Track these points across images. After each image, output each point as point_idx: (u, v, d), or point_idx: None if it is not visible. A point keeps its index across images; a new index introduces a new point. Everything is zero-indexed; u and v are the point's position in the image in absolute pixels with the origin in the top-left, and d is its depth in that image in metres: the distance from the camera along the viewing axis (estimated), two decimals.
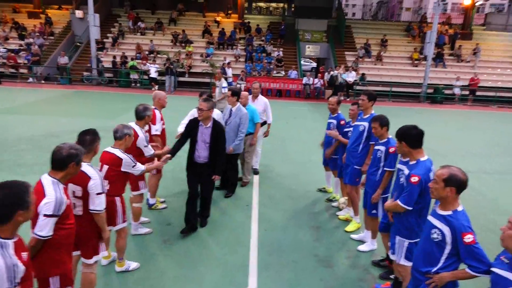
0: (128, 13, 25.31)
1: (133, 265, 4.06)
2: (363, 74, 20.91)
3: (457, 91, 20.78)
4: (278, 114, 14.52)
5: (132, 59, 20.90)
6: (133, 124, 4.25)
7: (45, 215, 2.44)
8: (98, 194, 3.00)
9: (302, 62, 23.86)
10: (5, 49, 21.18)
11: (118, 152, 3.58)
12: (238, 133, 5.90)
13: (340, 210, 5.81)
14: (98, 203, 3.01)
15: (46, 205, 2.45)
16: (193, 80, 21.07)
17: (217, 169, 4.80)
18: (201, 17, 26.13)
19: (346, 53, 23.46)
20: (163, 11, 26.24)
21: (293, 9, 29.56)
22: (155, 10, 26.41)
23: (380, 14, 49.68)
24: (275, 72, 21.50)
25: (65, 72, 20.52)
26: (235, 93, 6.00)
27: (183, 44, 22.87)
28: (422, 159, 3.32)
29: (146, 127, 4.63)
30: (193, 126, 4.70)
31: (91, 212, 3.03)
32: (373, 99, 4.94)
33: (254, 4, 42.48)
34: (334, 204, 6.08)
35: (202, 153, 4.70)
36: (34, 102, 14.40)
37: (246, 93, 6.51)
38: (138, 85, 20.33)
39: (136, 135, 4.19)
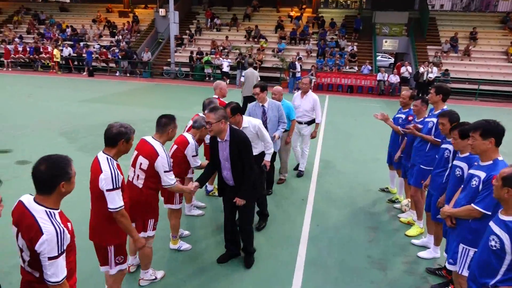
0: (206, 10, 26.43)
1: (185, 245, 4.25)
2: (446, 70, 19.15)
3: None
4: (347, 110, 14.06)
5: (207, 54, 21.82)
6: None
7: (107, 190, 2.67)
8: (165, 172, 3.22)
9: (379, 57, 22.67)
10: (98, 45, 23.59)
11: (190, 137, 3.91)
12: (280, 124, 5.40)
13: (403, 212, 5.41)
14: (167, 180, 3.25)
15: (105, 181, 2.67)
16: (263, 74, 21.25)
17: (242, 191, 3.69)
18: (275, 12, 26.23)
19: (428, 47, 21.69)
20: (238, 7, 26.90)
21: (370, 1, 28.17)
22: (231, 6, 27.17)
23: (473, 5, 44.99)
24: (347, 67, 20.74)
25: (147, 66, 22.21)
26: (264, 88, 5.39)
27: (255, 40, 23.22)
28: (499, 158, 2.93)
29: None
30: (213, 143, 3.73)
31: (150, 188, 3.28)
32: (442, 92, 4.47)
33: None
34: (397, 205, 5.68)
35: (228, 175, 3.73)
36: (119, 93, 15.84)
37: (280, 88, 5.92)
38: (211, 78, 21.17)
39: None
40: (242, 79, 12.07)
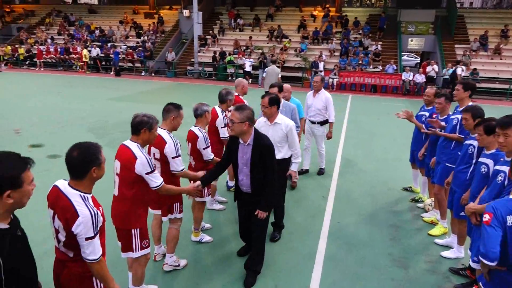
0: (229, 10, 26.67)
1: (206, 238, 4.35)
2: (474, 69, 18.54)
3: None
4: (370, 109, 13.87)
5: (229, 54, 22.02)
6: (216, 107, 4.62)
7: (147, 173, 2.88)
8: (173, 157, 3.33)
9: (405, 57, 22.20)
10: (125, 46, 24.25)
11: (196, 130, 3.90)
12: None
13: (426, 212, 5.31)
14: (176, 165, 3.36)
15: (142, 166, 2.85)
16: (285, 74, 21.25)
17: (263, 203, 3.38)
18: (298, 12, 26.15)
19: (456, 46, 21.06)
20: (261, 7, 26.98)
21: None
22: (254, 6, 27.29)
23: (505, 2, 43.27)
24: (371, 66, 20.43)
25: (171, 66, 22.63)
26: (281, 89, 5.22)
27: (278, 39, 23.23)
28: None
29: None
30: (232, 143, 3.46)
31: (170, 175, 3.40)
32: (470, 89, 4.38)
33: None
34: (420, 205, 5.58)
35: (245, 180, 3.44)
36: (144, 92, 16.23)
37: (288, 85, 5.72)
38: (233, 78, 21.33)
39: (215, 116, 4.50)
40: (264, 74, 13.02)
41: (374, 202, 5.70)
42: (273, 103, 3.93)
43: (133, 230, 2.96)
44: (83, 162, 2.12)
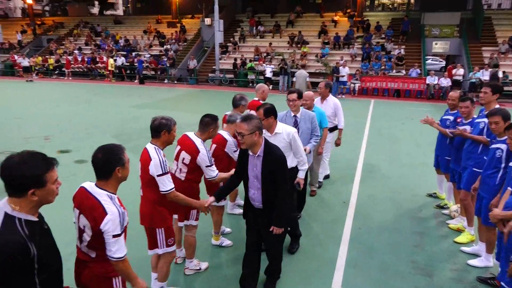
0: (249, 18, 26.93)
1: (226, 241, 4.38)
2: (503, 72, 17.90)
3: None
4: (393, 114, 13.63)
5: (250, 61, 22.19)
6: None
7: (158, 175, 2.93)
8: (207, 166, 3.39)
9: (429, 61, 21.72)
10: (149, 55, 24.88)
11: (225, 134, 4.02)
12: (313, 137, 4.76)
13: (452, 218, 5.15)
14: (210, 172, 3.42)
15: (155, 167, 2.92)
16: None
17: (277, 218, 3.17)
18: (319, 18, 26.11)
19: (483, 48, 20.44)
20: (282, 14, 27.11)
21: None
22: (275, 13, 27.45)
23: None
24: (394, 71, 20.09)
25: (193, 73, 23.02)
26: (301, 96, 4.83)
27: (299, 45, 23.25)
28: None
29: None
30: (242, 156, 3.26)
31: (193, 181, 3.47)
32: (498, 92, 4.24)
33: (376, 2, 40.51)
34: (445, 211, 5.41)
35: (256, 195, 3.22)
36: (167, 99, 16.57)
37: (311, 93, 5.34)
38: (254, 84, 21.45)
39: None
40: (294, 79, 14.39)
41: (398, 208, 5.58)
42: (268, 114, 3.69)
43: (157, 229, 3.06)
44: (107, 162, 2.21)
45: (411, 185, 6.47)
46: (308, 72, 21.15)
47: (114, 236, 2.13)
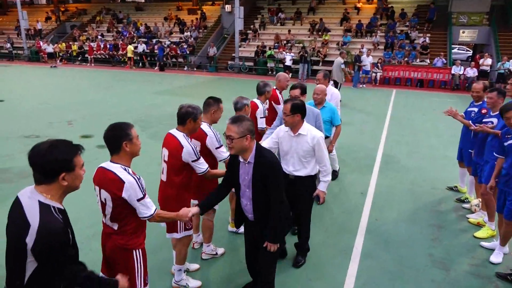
0: (270, 4, 26.58)
1: (242, 228, 4.42)
2: None
3: None
4: (416, 105, 13.30)
5: (270, 49, 21.99)
6: (255, 100, 4.68)
7: (193, 161, 3.07)
8: (217, 148, 3.43)
9: (456, 50, 20.95)
10: (169, 42, 25.00)
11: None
12: None
13: (472, 213, 5.05)
14: (221, 155, 3.45)
15: (189, 155, 3.04)
16: (327, 68, 20.87)
17: (269, 232, 2.81)
18: (341, 4, 25.50)
19: None
20: (303, 0, 26.62)
21: None
22: (296, 0, 26.98)
23: None
24: (418, 60, 19.52)
25: (213, 61, 23.04)
26: (304, 91, 4.34)
27: (320, 33, 22.85)
28: None
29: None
30: (233, 163, 2.93)
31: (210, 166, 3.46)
32: None
33: None
34: (466, 205, 5.30)
35: (248, 206, 2.89)
36: (186, 86, 16.69)
37: (323, 86, 4.94)
38: (273, 72, 21.30)
39: (255, 107, 4.57)
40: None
41: (416, 200, 5.49)
42: (296, 110, 3.29)
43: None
44: (115, 137, 2.40)
45: (431, 178, 6.35)
46: (328, 61, 20.94)
47: (138, 199, 2.36)
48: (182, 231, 3.22)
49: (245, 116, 2.80)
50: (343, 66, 13.98)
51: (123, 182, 2.32)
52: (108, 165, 2.42)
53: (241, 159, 2.80)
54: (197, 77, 20.01)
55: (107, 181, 2.36)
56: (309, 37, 22.93)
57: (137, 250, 2.49)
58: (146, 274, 2.58)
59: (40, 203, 1.77)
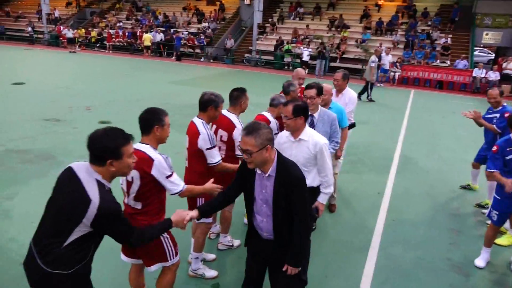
0: None
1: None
2: None
3: None
4: (434, 107, 13.07)
5: (287, 43, 21.83)
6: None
7: (207, 149, 3.07)
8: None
9: (476, 52, 20.48)
10: (187, 32, 25.03)
11: (269, 116, 3.92)
12: (331, 143, 3.82)
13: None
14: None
15: (203, 141, 3.05)
16: (344, 65, 20.64)
17: (293, 255, 2.43)
18: (362, 1, 25.09)
19: None
20: None
21: None
22: None
23: None
24: (438, 61, 19.14)
25: (229, 53, 22.99)
26: (321, 92, 3.86)
27: (339, 29, 22.56)
28: None
29: None
30: (245, 171, 2.48)
31: (233, 158, 3.50)
32: None
33: None
34: (485, 211, 5.19)
35: (264, 223, 2.50)
36: (203, 77, 16.71)
37: (330, 86, 4.48)
38: (290, 67, 21.17)
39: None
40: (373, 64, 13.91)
41: (434, 203, 5.41)
42: (299, 113, 2.93)
43: (198, 199, 3.19)
44: (148, 119, 2.53)
45: (449, 180, 6.24)
46: (346, 58, 20.69)
47: (167, 177, 2.47)
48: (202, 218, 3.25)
49: (260, 123, 2.37)
50: (373, 64, 13.62)
51: (152, 160, 2.43)
52: (138, 145, 2.51)
53: (258, 171, 2.41)
54: (213, 69, 20.01)
55: (137, 160, 2.40)
56: (327, 33, 22.67)
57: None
58: (175, 245, 2.70)
59: (98, 181, 1.96)
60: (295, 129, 3.02)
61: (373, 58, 13.80)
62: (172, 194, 2.56)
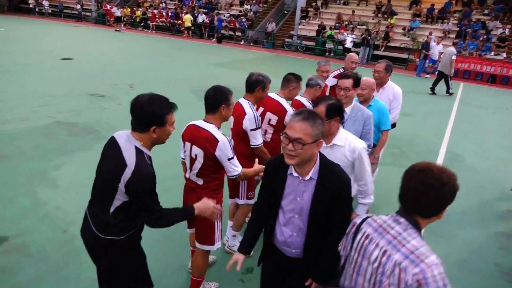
0: None
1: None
2: None
3: None
4: (486, 102, 12.27)
5: (330, 29, 21.17)
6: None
7: (252, 130, 3.06)
8: None
9: None
10: (228, 14, 24.92)
11: (304, 100, 3.76)
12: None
13: None
14: None
15: (249, 122, 3.04)
16: (389, 54, 19.78)
17: (320, 271, 2.01)
18: None
19: None
20: None
21: None
22: None
23: None
24: (492, 53, 17.84)
25: (270, 37, 22.68)
26: (358, 84, 3.26)
27: (385, 16, 21.55)
28: None
29: None
30: (275, 173, 2.01)
31: (277, 142, 3.41)
32: None
33: None
34: None
35: (295, 238, 2.02)
36: (242, 60, 16.62)
37: (371, 80, 3.73)
38: (331, 54, 20.58)
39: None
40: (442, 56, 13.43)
41: (483, 204, 5.08)
42: (334, 113, 2.41)
43: (240, 187, 3.20)
44: (215, 98, 2.50)
45: (500, 181, 5.84)
46: (391, 46, 19.77)
47: (229, 159, 2.47)
48: (244, 199, 3.28)
49: (316, 112, 1.95)
50: (454, 57, 12.78)
51: (218, 141, 2.42)
52: (202, 123, 2.51)
53: (294, 173, 1.93)
54: (253, 52, 19.85)
55: (201, 139, 2.46)
56: (373, 19, 21.73)
57: (218, 205, 2.57)
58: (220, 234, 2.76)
59: (136, 148, 1.96)
60: (328, 133, 2.46)
61: (453, 50, 12.97)
62: (230, 176, 2.56)
